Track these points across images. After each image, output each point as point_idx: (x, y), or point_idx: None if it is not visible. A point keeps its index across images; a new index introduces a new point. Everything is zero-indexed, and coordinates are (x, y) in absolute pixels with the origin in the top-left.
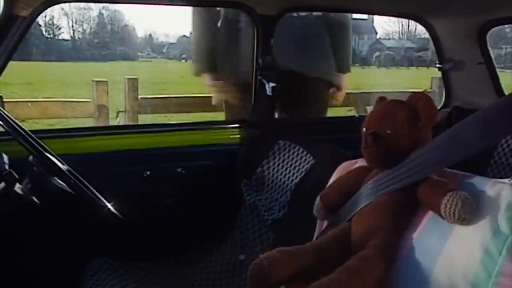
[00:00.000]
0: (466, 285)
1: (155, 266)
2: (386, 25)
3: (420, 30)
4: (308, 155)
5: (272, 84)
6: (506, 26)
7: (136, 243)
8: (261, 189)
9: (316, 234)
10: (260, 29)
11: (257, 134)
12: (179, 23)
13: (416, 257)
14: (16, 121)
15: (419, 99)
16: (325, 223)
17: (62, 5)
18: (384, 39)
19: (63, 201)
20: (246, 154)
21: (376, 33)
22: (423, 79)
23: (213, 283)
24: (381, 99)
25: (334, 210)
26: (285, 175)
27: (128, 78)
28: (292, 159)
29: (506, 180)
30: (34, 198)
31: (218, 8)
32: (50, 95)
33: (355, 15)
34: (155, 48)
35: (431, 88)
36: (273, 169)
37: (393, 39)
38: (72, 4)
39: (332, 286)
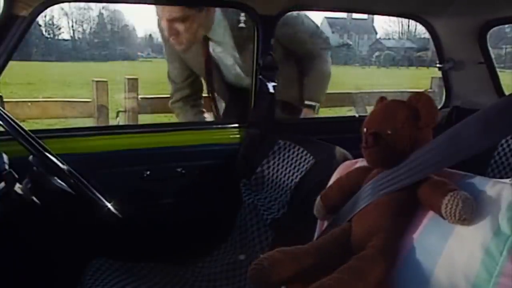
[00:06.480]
0: (466, 285)
1: (155, 266)
2: (386, 25)
3: (420, 30)
4: (308, 155)
5: (273, 84)
6: (506, 26)
7: (136, 243)
8: (260, 189)
9: (316, 234)
10: (261, 29)
11: (257, 134)
12: None
13: (416, 257)
14: (16, 121)
15: (419, 99)
16: (325, 223)
17: (62, 5)
18: (384, 39)
19: (63, 201)
20: (246, 154)
21: (376, 33)
22: (423, 79)
23: (213, 283)
24: (382, 99)
25: (335, 210)
26: (285, 175)
27: (128, 78)
28: (292, 159)
29: (507, 180)
30: (34, 198)
31: None
32: (50, 95)
33: (355, 15)
34: (155, 48)
35: (431, 88)
36: (273, 169)
37: (393, 39)
38: (72, 4)
39: (332, 287)
